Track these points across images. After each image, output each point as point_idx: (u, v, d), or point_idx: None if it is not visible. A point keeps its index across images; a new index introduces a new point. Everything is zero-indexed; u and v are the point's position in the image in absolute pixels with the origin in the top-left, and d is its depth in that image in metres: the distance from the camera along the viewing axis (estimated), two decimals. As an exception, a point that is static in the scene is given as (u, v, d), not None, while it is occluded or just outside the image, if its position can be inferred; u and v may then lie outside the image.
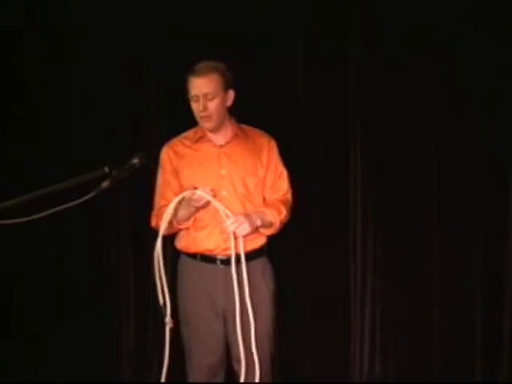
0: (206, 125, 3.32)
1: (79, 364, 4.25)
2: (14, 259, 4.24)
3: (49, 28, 4.29)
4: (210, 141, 3.38)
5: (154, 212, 3.43)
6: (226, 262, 3.32)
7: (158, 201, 3.44)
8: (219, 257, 3.34)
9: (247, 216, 3.26)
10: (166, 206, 3.31)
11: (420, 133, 4.16)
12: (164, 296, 3.22)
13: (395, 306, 4.20)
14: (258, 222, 3.29)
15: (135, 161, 2.79)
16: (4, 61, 4.27)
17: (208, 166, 3.35)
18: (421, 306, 4.18)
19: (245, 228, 3.20)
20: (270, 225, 3.35)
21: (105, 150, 4.17)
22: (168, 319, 3.22)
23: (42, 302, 4.33)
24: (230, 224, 3.18)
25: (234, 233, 3.20)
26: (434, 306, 4.19)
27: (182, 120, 3.45)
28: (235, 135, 3.40)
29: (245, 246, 3.26)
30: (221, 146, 3.38)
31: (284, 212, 3.38)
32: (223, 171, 3.35)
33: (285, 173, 3.44)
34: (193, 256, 3.38)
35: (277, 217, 3.35)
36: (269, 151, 3.42)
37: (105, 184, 2.65)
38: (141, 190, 3.76)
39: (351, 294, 4.22)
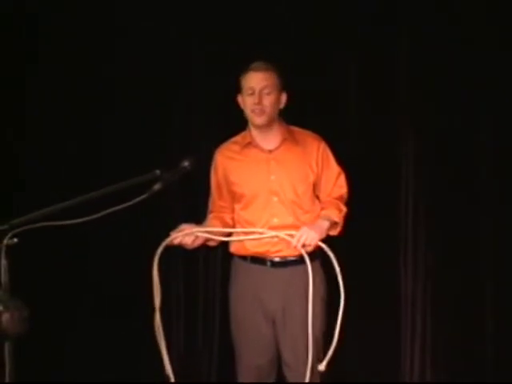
0: (258, 120, 3.30)
1: (126, 365, 4.31)
2: (59, 258, 4.31)
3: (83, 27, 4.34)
4: (258, 146, 3.38)
5: (207, 217, 3.47)
6: (277, 264, 3.34)
7: (211, 206, 3.49)
8: (270, 259, 3.35)
9: (311, 225, 3.25)
10: (215, 217, 3.41)
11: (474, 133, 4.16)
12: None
13: (446, 308, 4.18)
14: (326, 225, 3.29)
15: (186, 164, 2.83)
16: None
17: (257, 172, 3.36)
18: (473, 307, 4.16)
19: (313, 236, 3.18)
20: (336, 225, 3.35)
21: (155, 153, 4.22)
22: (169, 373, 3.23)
23: (91, 301, 4.40)
24: (296, 242, 3.17)
25: (305, 246, 3.18)
26: (486, 307, 4.16)
27: (233, 122, 3.48)
28: (284, 140, 3.38)
29: (298, 250, 3.25)
30: (270, 152, 3.38)
31: (344, 209, 3.39)
32: (273, 177, 3.35)
33: (343, 174, 3.44)
34: (243, 258, 3.41)
35: (340, 215, 3.36)
36: (320, 155, 3.40)
37: (157, 187, 2.69)
38: (192, 194, 3.82)
39: (401, 297, 4.20)
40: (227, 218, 3.45)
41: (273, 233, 3.22)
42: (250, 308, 3.38)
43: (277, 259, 3.35)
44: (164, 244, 3.22)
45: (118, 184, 2.64)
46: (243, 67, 3.41)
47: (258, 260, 3.37)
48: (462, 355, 4.18)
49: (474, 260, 4.17)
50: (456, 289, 4.16)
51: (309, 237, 3.17)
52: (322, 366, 3.17)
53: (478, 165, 4.16)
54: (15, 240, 2.38)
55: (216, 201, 3.46)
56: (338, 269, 3.12)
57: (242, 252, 3.40)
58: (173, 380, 3.24)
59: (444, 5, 4.09)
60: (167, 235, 3.29)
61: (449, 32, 4.10)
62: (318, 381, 3.36)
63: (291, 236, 3.20)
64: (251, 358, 3.40)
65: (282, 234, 3.21)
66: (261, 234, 3.26)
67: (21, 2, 4.31)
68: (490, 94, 4.10)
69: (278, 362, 3.44)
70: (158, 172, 2.72)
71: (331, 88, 4.23)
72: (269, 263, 3.36)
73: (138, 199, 2.61)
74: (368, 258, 4.15)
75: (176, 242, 3.25)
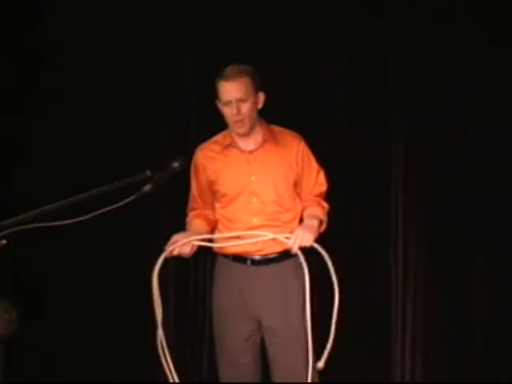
0: (240, 130, 3.29)
1: (119, 365, 4.32)
2: (53, 261, 4.32)
3: (86, 29, 4.35)
4: (238, 147, 3.36)
5: (188, 217, 3.46)
6: (258, 262, 3.34)
7: (192, 203, 3.47)
8: (250, 257, 3.34)
9: (303, 226, 3.26)
10: (198, 215, 3.40)
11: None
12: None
13: (436, 312, 4.19)
14: (316, 224, 3.29)
15: (175, 164, 2.83)
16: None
17: (237, 173, 3.34)
18: (463, 309, 4.17)
19: (308, 237, 3.18)
20: (322, 222, 3.35)
21: (147, 153, 4.23)
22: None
23: (82, 303, 4.42)
24: (293, 244, 3.18)
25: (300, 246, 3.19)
26: (478, 306, 4.16)
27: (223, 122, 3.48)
28: (264, 141, 3.36)
29: (277, 246, 3.27)
30: (250, 152, 3.35)
31: (325, 205, 3.39)
32: (253, 178, 3.33)
33: (322, 171, 3.42)
34: (226, 256, 3.41)
35: (323, 212, 3.36)
36: (300, 153, 3.37)
37: (146, 187, 2.70)
38: (183, 194, 3.82)
39: (392, 296, 4.21)
40: (210, 215, 3.44)
41: (271, 235, 3.24)
42: (231, 305, 3.38)
43: (257, 257, 3.35)
44: (163, 257, 3.23)
45: (109, 185, 2.64)
46: (220, 70, 3.31)
47: (239, 258, 3.36)
48: (453, 355, 4.19)
49: (465, 259, 4.17)
50: (447, 288, 4.17)
51: (304, 238, 3.18)
52: (320, 364, 3.16)
53: (470, 163, 4.16)
54: (4, 242, 2.37)
55: (197, 198, 3.45)
56: (331, 268, 3.13)
57: (224, 251, 3.40)
58: None
59: (444, 4, 4.09)
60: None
61: (448, 32, 4.10)
62: (307, 380, 3.36)
63: (287, 238, 3.21)
64: (233, 354, 3.39)
65: (279, 236, 3.23)
66: (258, 236, 3.26)
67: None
68: (489, 93, 4.09)
69: (264, 364, 3.44)
70: (148, 173, 2.72)
71: (326, 87, 4.23)
72: (249, 261, 3.35)
73: (126, 200, 2.61)
74: (358, 256, 4.16)
75: (175, 253, 3.26)
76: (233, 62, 3.65)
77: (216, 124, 3.78)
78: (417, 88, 4.15)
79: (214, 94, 3.92)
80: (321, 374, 3.48)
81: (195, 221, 3.42)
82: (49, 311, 4.36)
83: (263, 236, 3.24)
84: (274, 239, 3.25)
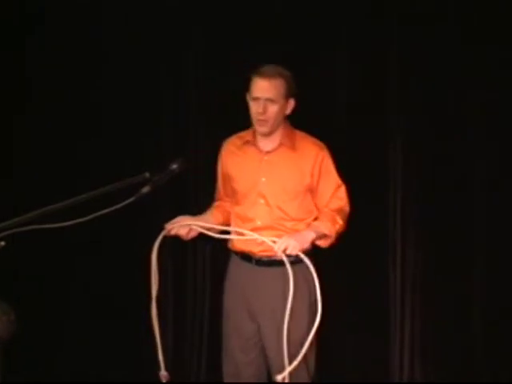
0: (261, 129, 3.29)
1: (117, 364, 4.32)
2: (52, 262, 4.33)
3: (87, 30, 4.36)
4: (256, 145, 3.37)
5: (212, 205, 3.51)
6: (262, 263, 3.34)
7: (216, 193, 3.53)
8: (255, 257, 3.36)
9: (295, 234, 3.24)
10: (218, 206, 3.47)
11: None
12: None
13: (436, 312, 4.18)
14: (311, 236, 3.25)
15: (174, 166, 2.84)
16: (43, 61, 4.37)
17: (250, 171, 3.35)
18: (463, 309, 4.17)
19: (294, 246, 3.16)
20: (325, 237, 3.30)
21: (147, 154, 4.24)
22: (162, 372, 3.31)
23: (78, 304, 4.42)
24: (277, 249, 3.18)
25: (286, 253, 3.18)
26: (476, 307, 4.16)
27: (229, 124, 3.48)
28: (280, 144, 3.34)
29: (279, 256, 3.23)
30: (266, 153, 3.35)
31: (340, 222, 3.32)
32: (263, 179, 3.34)
33: (343, 186, 3.38)
34: (235, 253, 3.44)
35: (332, 228, 3.29)
36: (318, 163, 3.33)
37: (145, 189, 2.70)
38: (182, 194, 3.84)
39: (390, 297, 4.20)
40: (229, 207, 3.48)
41: (256, 236, 3.25)
42: (236, 302, 3.41)
43: (264, 258, 3.35)
44: (162, 234, 3.27)
45: (108, 186, 2.65)
46: (250, 68, 3.33)
47: (245, 257, 3.39)
48: (452, 355, 4.19)
49: (465, 259, 4.17)
50: (447, 288, 4.16)
51: (289, 245, 3.17)
52: (279, 377, 3.16)
53: (470, 163, 4.15)
54: (2, 243, 2.38)
55: (220, 189, 3.52)
56: (317, 283, 3.14)
57: (233, 248, 3.43)
58: (163, 368, 3.30)
59: (444, 5, 4.09)
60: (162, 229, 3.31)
61: (448, 32, 4.09)
62: (307, 379, 3.37)
63: (274, 242, 3.21)
64: (234, 352, 3.41)
65: (266, 239, 3.23)
66: (245, 235, 3.29)
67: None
68: (489, 93, 4.08)
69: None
70: (147, 174, 2.72)
71: (326, 87, 4.23)
72: (254, 261, 3.37)
73: (125, 202, 2.61)
74: (357, 256, 4.15)
75: (172, 232, 3.30)
76: (233, 62, 3.66)
77: (216, 124, 3.80)
78: (417, 88, 4.14)
79: (214, 94, 3.94)
80: (321, 374, 3.49)
81: (212, 211, 3.48)
82: (49, 311, 4.36)
83: (250, 235, 3.26)
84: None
